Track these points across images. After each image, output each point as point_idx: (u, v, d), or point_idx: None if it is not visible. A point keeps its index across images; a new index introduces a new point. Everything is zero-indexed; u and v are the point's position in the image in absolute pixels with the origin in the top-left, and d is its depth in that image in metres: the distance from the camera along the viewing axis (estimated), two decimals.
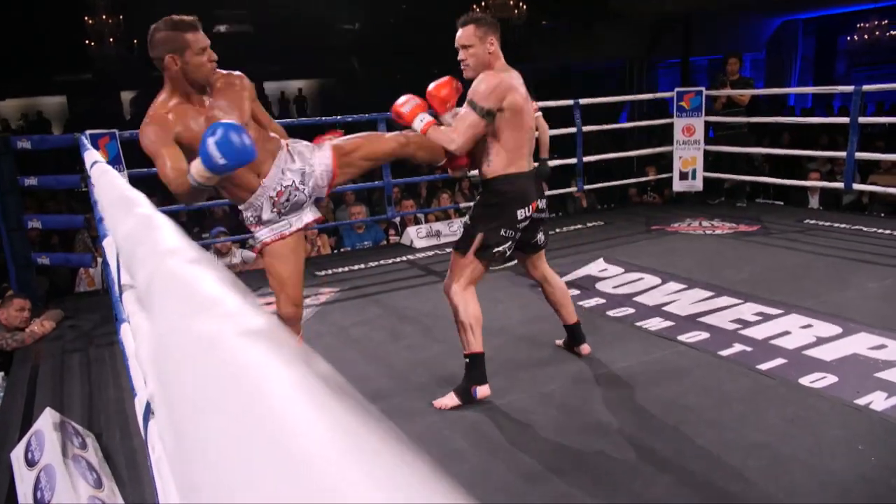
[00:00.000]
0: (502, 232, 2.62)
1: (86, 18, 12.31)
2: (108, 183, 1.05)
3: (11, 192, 4.36)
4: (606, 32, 14.38)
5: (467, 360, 2.65)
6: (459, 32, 2.59)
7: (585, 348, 3.04)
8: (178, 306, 0.37)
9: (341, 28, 15.99)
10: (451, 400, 2.64)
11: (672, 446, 2.26)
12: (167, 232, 0.64)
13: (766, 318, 3.38)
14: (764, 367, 2.83)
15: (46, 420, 2.31)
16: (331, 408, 0.24)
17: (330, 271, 4.85)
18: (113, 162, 4.14)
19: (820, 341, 3.04)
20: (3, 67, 13.39)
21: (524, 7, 12.00)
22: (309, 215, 2.44)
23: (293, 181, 2.36)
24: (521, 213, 2.64)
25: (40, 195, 7.60)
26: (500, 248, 2.64)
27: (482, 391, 2.64)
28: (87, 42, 12.46)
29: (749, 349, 3.03)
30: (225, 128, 1.83)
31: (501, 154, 2.58)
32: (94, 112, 14.04)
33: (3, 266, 4.66)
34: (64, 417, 2.42)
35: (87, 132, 4.14)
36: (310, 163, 2.40)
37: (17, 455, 2.30)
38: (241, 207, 2.39)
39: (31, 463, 2.17)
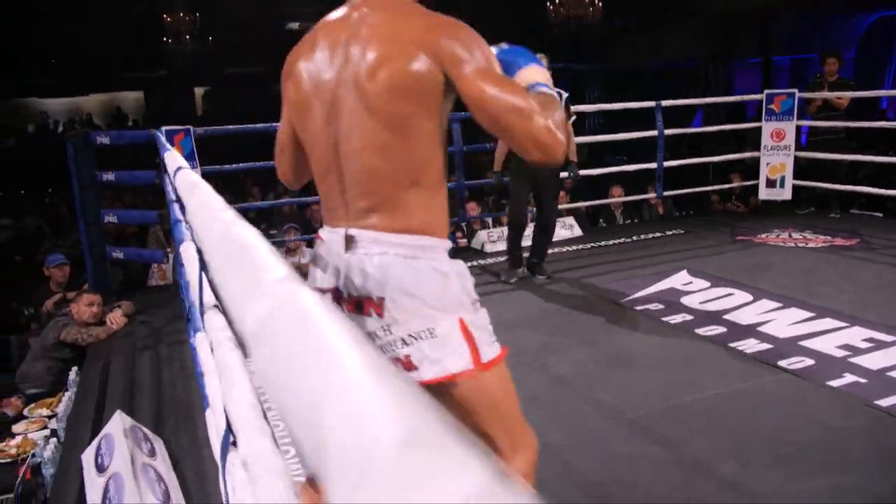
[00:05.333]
0: None
1: (164, 16, 12.69)
2: (202, 205, 0.92)
3: (90, 186, 4.43)
4: (678, 30, 13.81)
5: None
6: None
7: None
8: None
9: None
10: None
11: (783, 490, 2.02)
12: (269, 260, 0.50)
13: (879, 345, 3.05)
14: (883, 402, 2.52)
15: (117, 424, 2.25)
16: None
17: None
18: (187, 158, 4.13)
19: None
20: (88, 64, 14.00)
21: (599, 4, 11.62)
22: None
23: None
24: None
25: (117, 188, 7.82)
26: None
27: None
28: (164, 39, 12.86)
29: (863, 380, 2.72)
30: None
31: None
32: (168, 108, 14.51)
33: (81, 259, 4.75)
34: (134, 422, 2.36)
35: (164, 128, 4.15)
36: None
37: (87, 458, 2.26)
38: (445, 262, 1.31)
39: (100, 468, 2.11)
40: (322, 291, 1.26)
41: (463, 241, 5.72)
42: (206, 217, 0.80)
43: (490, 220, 6.08)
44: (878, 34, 14.88)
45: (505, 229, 4.87)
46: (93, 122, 14.88)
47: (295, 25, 13.77)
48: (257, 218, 7.39)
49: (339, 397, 0.27)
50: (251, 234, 0.57)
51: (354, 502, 0.23)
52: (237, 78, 15.36)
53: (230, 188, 9.00)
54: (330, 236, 1.28)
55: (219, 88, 16.13)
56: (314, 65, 1.26)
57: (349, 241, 1.23)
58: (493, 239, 5.18)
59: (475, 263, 4.79)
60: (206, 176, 4.55)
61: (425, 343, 1.24)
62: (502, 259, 4.74)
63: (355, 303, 1.24)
